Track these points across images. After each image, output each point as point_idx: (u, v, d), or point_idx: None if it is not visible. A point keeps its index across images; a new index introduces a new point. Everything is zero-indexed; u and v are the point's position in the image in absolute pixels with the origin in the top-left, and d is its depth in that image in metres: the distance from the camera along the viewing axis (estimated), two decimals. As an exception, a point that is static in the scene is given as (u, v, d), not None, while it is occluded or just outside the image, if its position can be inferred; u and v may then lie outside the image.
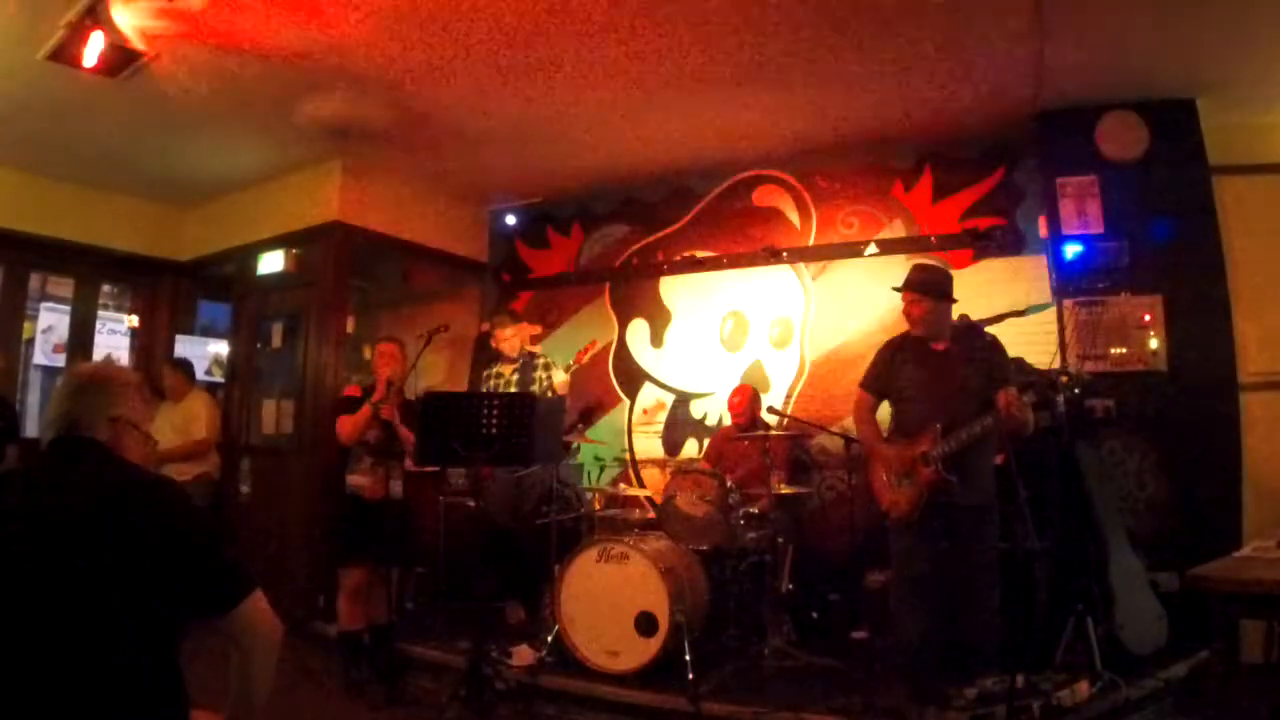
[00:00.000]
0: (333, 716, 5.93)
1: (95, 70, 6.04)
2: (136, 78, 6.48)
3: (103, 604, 2.29)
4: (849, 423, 7.12)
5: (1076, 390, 5.37)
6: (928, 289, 5.60)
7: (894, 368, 5.76)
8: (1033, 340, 6.60)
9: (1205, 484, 6.31)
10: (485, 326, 9.18)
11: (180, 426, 8.26)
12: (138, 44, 6.00)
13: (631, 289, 9.29)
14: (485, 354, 9.02)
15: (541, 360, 8.04)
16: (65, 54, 5.92)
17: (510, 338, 8.07)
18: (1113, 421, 6.45)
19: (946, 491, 5.28)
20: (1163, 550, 5.97)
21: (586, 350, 8.12)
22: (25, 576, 2.28)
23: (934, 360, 5.55)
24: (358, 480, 6.57)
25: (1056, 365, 6.31)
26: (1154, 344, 6.53)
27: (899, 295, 5.67)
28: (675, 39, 6.06)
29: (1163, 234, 6.56)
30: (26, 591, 2.27)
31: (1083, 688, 4.96)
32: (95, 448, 2.60)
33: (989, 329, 5.73)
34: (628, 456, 8.98)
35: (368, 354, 9.43)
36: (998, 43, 6.04)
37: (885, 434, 5.81)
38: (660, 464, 8.60)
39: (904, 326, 5.83)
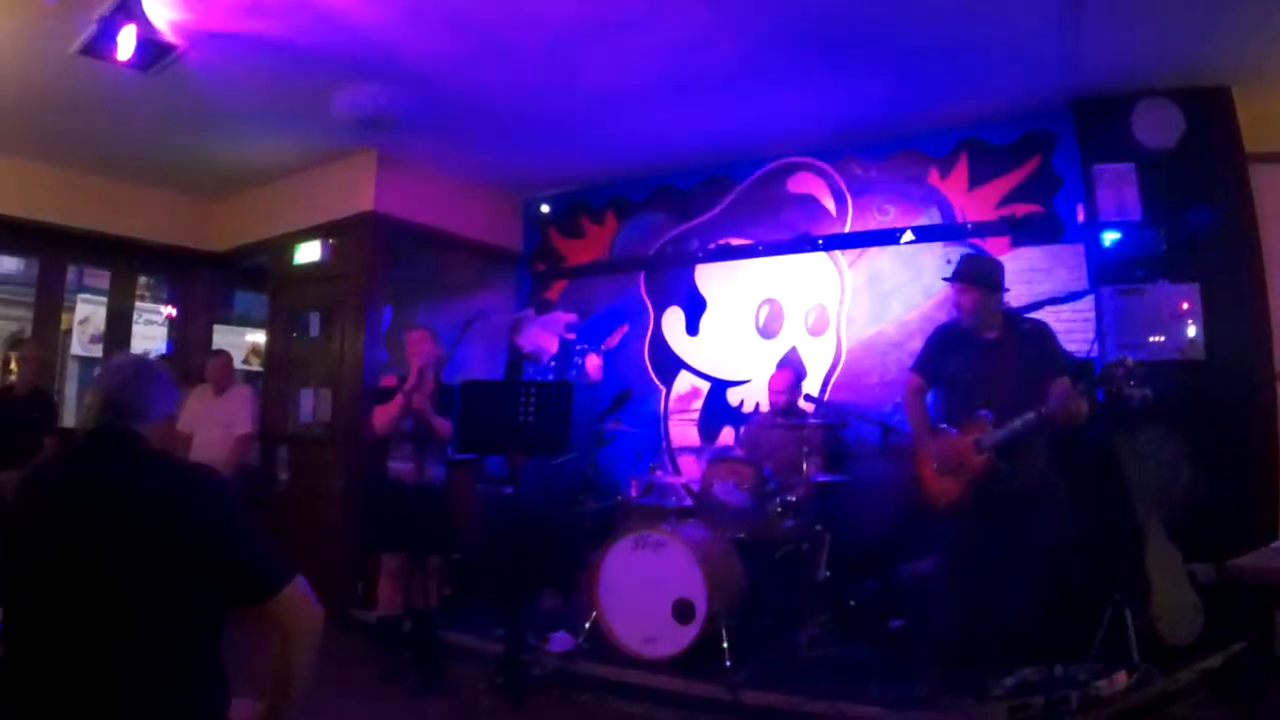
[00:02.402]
0: (370, 703, 5.97)
1: (128, 64, 6.11)
2: (169, 71, 6.52)
3: (144, 593, 2.32)
4: (886, 411, 7.13)
5: (1132, 382, 5.32)
6: (976, 279, 5.61)
7: (943, 354, 5.77)
8: (1071, 329, 6.57)
9: (1242, 474, 6.22)
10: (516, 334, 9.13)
11: (225, 421, 8.33)
12: (170, 37, 6.04)
13: (666, 277, 9.29)
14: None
15: (579, 347, 8.07)
16: (98, 48, 5.98)
17: (535, 335, 8.12)
18: (1150, 411, 6.40)
19: (1000, 480, 5.28)
20: (1199, 541, 5.90)
21: (618, 334, 8.13)
22: (67, 568, 2.31)
23: (985, 349, 5.54)
24: (399, 467, 6.62)
25: (1094, 353, 6.30)
26: (1191, 333, 6.46)
27: (936, 283, 5.66)
28: (708, 26, 6.05)
29: (1200, 222, 6.50)
30: (69, 583, 2.31)
31: (1120, 678, 4.94)
32: (135, 439, 2.62)
33: (1031, 316, 5.72)
34: (664, 444, 8.99)
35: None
36: (1034, 29, 5.99)
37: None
38: (697, 451, 8.60)
39: (942, 314, 5.81)
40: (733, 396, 8.75)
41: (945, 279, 5.79)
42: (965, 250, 7.30)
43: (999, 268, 5.76)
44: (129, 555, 2.32)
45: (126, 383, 2.69)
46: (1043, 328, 5.63)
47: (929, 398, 5.90)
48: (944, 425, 5.71)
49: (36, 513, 2.45)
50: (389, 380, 6.85)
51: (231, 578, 2.47)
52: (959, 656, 5.40)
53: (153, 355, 9.91)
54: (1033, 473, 5.32)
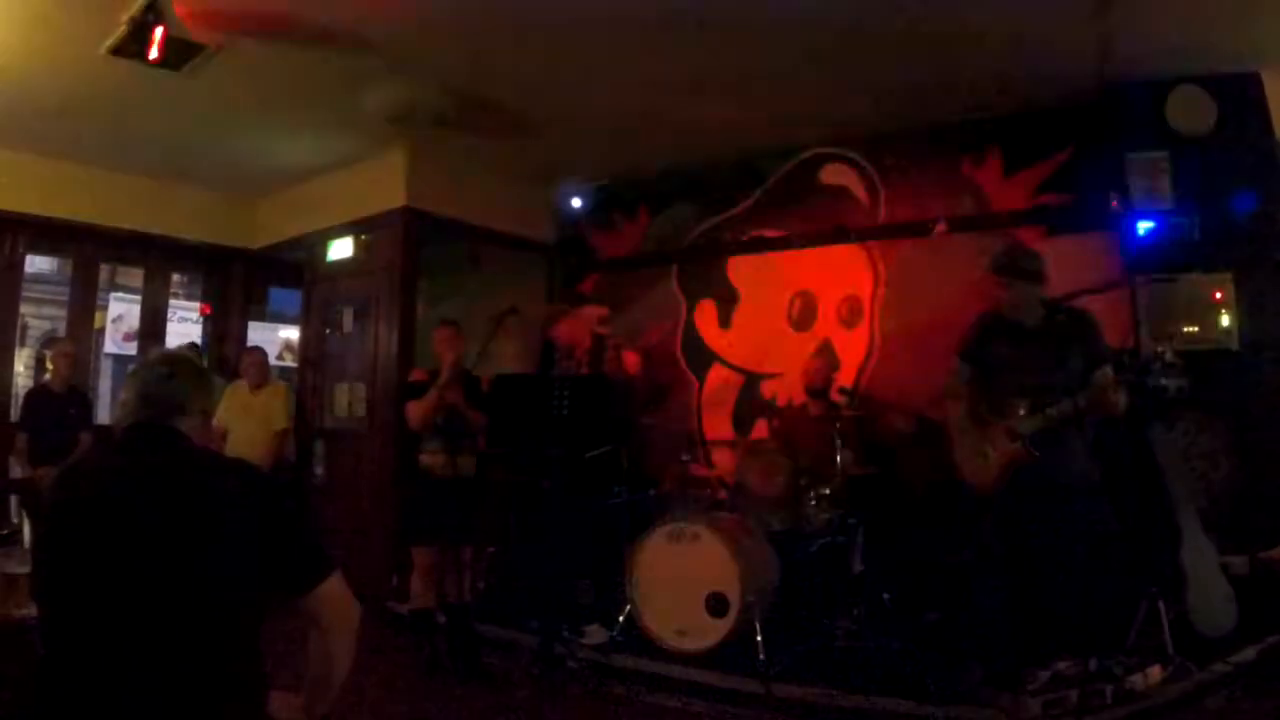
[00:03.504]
0: (406, 695, 5.98)
1: (158, 64, 6.13)
2: (200, 70, 6.60)
3: (181, 585, 2.31)
4: (921, 402, 7.10)
5: (1169, 372, 5.26)
6: (1016, 272, 5.42)
7: (987, 341, 5.66)
8: (1105, 318, 6.52)
9: (1275, 466, 6.18)
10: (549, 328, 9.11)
11: (262, 417, 8.42)
12: (199, 37, 6.10)
13: (699, 270, 9.28)
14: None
15: (612, 341, 8.07)
16: (128, 48, 6.00)
17: (572, 325, 8.13)
18: (1185, 401, 6.33)
19: (1035, 469, 5.24)
20: (1234, 533, 5.87)
21: (656, 331, 8.14)
22: (104, 561, 2.32)
23: (1025, 337, 5.45)
24: (428, 460, 6.61)
25: (1130, 344, 6.27)
26: (1225, 322, 6.41)
27: (970, 273, 5.59)
28: (742, 19, 6.04)
29: (1233, 210, 6.45)
30: (106, 575, 2.31)
31: (1155, 672, 4.93)
32: (174, 435, 2.60)
33: (1074, 306, 5.68)
34: (698, 437, 8.98)
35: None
36: (1067, 17, 5.96)
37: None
38: (730, 444, 8.59)
39: (977, 304, 5.75)
40: (766, 389, 8.75)
41: (985, 270, 5.74)
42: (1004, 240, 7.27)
43: (1039, 259, 5.66)
44: (167, 547, 2.32)
45: (163, 378, 2.66)
46: (1085, 317, 5.52)
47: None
48: (984, 413, 5.66)
49: (74, 506, 2.44)
50: (418, 375, 6.87)
51: (269, 570, 2.47)
52: (995, 649, 5.38)
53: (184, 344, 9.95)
54: (1070, 463, 5.27)
